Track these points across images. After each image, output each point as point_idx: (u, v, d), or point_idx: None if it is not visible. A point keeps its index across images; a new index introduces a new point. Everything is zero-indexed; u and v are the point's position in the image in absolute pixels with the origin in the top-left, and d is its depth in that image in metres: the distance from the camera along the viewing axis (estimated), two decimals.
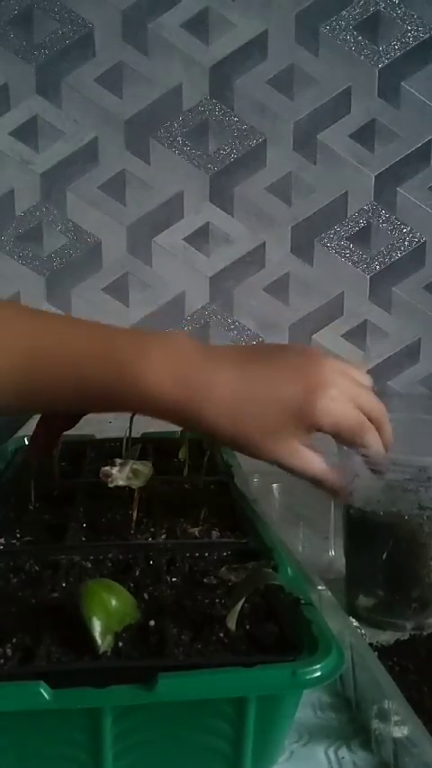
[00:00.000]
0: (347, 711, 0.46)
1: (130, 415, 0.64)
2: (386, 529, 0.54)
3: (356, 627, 0.51)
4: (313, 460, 0.53)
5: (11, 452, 0.78)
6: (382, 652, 0.51)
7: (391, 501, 0.54)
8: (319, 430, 0.52)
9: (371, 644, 0.52)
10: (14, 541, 0.55)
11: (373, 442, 0.53)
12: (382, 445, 0.54)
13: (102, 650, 0.39)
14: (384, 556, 0.53)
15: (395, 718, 0.39)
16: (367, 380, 0.56)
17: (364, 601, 0.56)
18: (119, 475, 0.55)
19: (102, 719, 0.36)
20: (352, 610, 0.57)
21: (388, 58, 1.39)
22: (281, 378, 0.52)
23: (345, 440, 0.53)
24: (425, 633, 0.55)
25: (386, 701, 0.39)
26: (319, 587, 0.50)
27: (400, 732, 0.38)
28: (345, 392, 0.52)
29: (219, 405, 0.50)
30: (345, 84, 1.40)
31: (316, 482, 0.54)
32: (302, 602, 0.43)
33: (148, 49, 1.38)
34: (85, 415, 0.61)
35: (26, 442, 0.71)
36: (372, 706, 0.41)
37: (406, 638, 0.54)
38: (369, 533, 0.55)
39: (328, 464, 0.55)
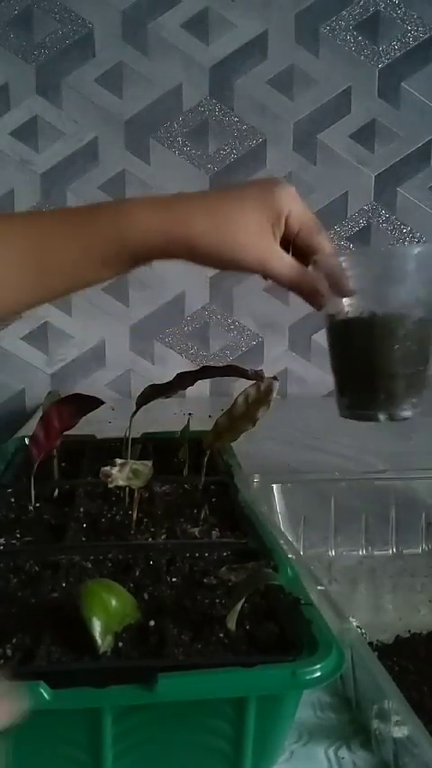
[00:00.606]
0: (347, 711, 0.46)
1: (129, 415, 0.64)
2: (355, 331, 0.58)
3: (357, 627, 0.51)
4: (292, 262, 0.57)
5: (11, 453, 0.78)
6: (382, 652, 0.51)
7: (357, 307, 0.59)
8: (286, 225, 0.57)
9: (370, 643, 0.52)
10: (15, 541, 0.55)
11: (327, 243, 0.58)
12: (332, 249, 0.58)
13: (102, 650, 0.39)
14: (354, 354, 0.59)
15: (395, 718, 0.39)
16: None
17: (344, 401, 0.58)
18: (119, 475, 0.55)
19: (102, 719, 0.36)
20: (341, 411, 0.59)
21: (388, 59, 1.39)
22: (245, 187, 0.58)
23: (304, 237, 0.57)
24: (424, 633, 0.55)
25: (386, 701, 0.39)
26: (319, 587, 0.50)
27: (400, 732, 0.38)
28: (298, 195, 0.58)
29: (199, 215, 0.56)
30: (345, 85, 1.40)
31: (294, 285, 0.57)
32: (302, 602, 0.43)
33: (148, 50, 1.38)
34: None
35: (26, 442, 0.71)
36: (372, 706, 0.41)
37: (406, 636, 0.54)
38: (343, 338, 0.60)
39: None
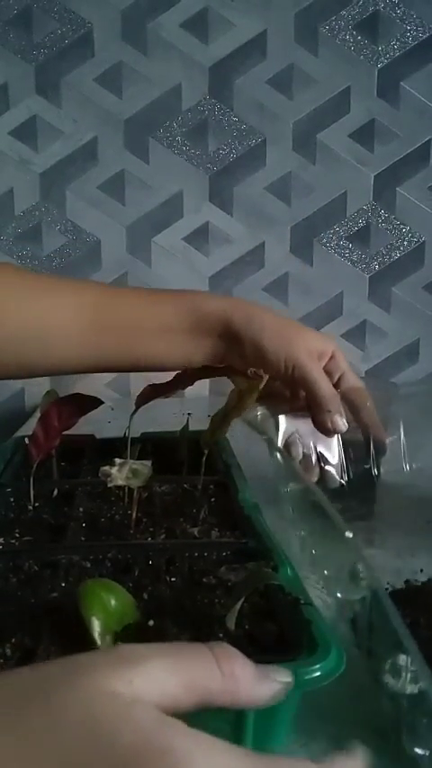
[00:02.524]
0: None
1: (128, 415, 0.64)
2: None
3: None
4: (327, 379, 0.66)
5: (10, 452, 0.78)
6: (392, 598, 0.47)
7: None
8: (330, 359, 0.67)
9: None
10: (14, 541, 0.55)
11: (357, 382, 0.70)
12: None
13: None
14: None
15: (409, 674, 0.37)
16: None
17: None
18: (118, 474, 0.55)
19: None
20: None
21: (387, 58, 1.39)
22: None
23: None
24: None
25: (401, 656, 0.37)
26: (348, 533, 0.46)
27: (412, 689, 0.37)
28: None
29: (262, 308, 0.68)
30: (344, 84, 1.40)
31: (322, 389, 0.65)
32: (302, 601, 0.43)
33: (147, 49, 1.38)
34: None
35: (25, 442, 0.71)
36: (385, 659, 0.39)
37: (419, 584, 0.50)
38: None
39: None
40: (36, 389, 1.47)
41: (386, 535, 0.66)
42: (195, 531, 0.57)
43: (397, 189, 1.44)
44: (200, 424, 0.73)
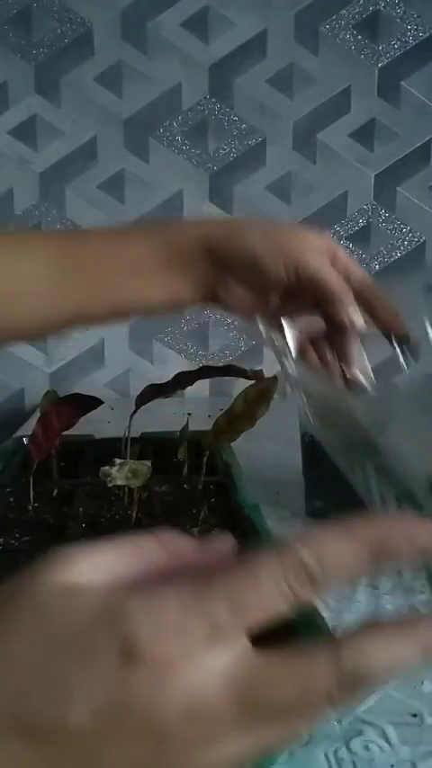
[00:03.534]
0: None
1: (128, 415, 0.64)
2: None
3: None
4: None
5: (10, 452, 0.77)
6: None
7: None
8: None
9: None
10: (13, 541, 0.55)
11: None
12: None
13: None
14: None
15: None
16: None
17: (317, 503, 0.72)
18: (118, 474, 0.55)
19: None
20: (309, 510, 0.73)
21: (388, 58, 1.39)
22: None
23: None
24: None
25: None
26: None
27: None
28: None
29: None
30: (344, 84, 1.40)
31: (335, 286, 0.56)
32: None
33: (147, 48, 1.38)
34: None
35: (25, 442, 0.71)
36: None
37: None
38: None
39: None
40: (36, 389, 1.47)
41: None
42: (195, 531, 0.57)
43: (397, 188, 1.43)
44: (200, 424, 0.73)
